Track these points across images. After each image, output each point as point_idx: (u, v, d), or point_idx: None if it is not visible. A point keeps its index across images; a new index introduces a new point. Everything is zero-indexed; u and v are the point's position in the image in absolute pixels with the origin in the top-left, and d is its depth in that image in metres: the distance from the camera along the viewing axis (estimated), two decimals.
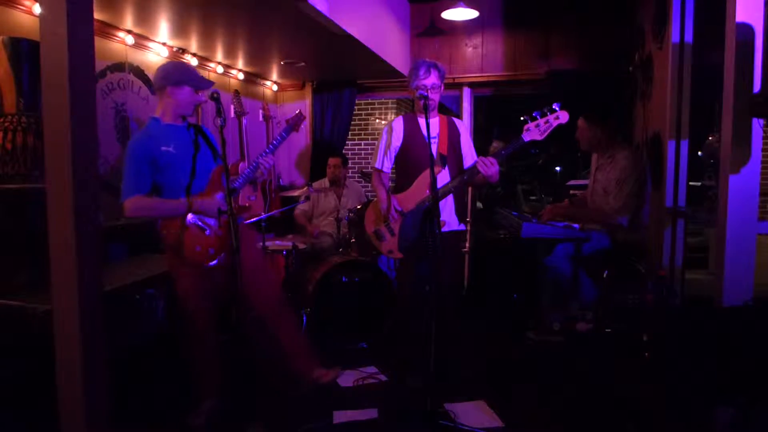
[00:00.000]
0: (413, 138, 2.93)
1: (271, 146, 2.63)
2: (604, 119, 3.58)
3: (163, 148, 2.42)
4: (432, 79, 2.81)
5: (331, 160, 4.59)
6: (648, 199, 3.55)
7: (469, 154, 3.00)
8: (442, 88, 2.89)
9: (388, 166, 3.03)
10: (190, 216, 2.44)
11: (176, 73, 2.47)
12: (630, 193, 3.34)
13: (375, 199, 3.07)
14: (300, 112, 2.83)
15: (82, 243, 1.79)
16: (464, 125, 3.10)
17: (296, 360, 2.78)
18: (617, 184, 3.37)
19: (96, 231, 1.87)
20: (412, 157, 2.91)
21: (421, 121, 2.83)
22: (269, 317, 2.68)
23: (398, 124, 3.00)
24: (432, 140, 2.78)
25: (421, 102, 2.70)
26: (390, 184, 3.10)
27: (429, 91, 2.76)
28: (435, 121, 2.92)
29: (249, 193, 2.71)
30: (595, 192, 3.57)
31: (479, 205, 5.21)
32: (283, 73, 5.06)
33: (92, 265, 1.84)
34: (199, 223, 2.47)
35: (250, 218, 3.35)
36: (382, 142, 3.02)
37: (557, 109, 2.67)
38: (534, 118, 2.70)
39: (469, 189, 4.52)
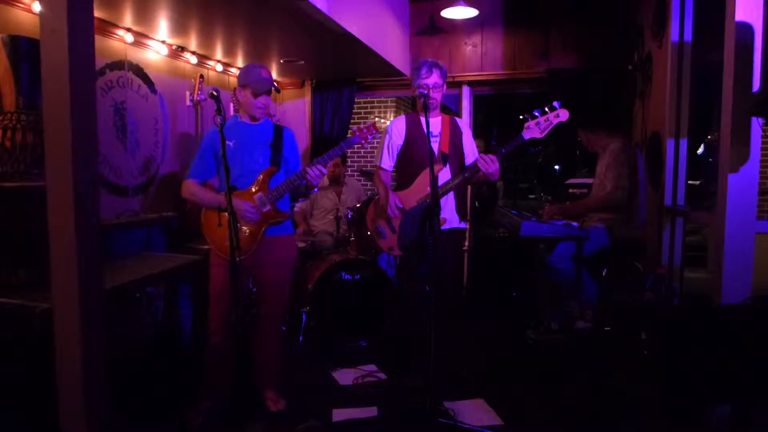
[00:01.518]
0: (415, 136, 2.93)
1: (325, 156, 2.64)
2: (588, 124, 3.72)
3: (227, 143, 2.56)
4: (434, 79, 2.81)
5: None
6: (644, 194, 3.58)
7: (470, 153, 3.00)
8: (445, 87, 2.90)
9: (390, 164, 3.03)
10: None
11: (242, 76, 2.65)
12: (620, 175, 3.39)
13: (377, 197, 3.08)
14: (372, 123, 2.82)
15: (83, 241, 1.79)
16: (466, 124, 3.11)
17: (257, 374, 2.78)
18: (607, 168, 3.47)
19: (96, 229, 1.87)
20: (414, 156, 2.92)
21: (423, 120, 2.83)
22: (257, 333, 2.72)
23: (400, 123, 3.00)
24: (434, 139, 2.78)
25: (421, 100, 2.70)
26: (392, 182, 3.11)
27: (431, 90, 2.78)
28: (437, 120, 2.92)
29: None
30: (594, 185, 3.63)
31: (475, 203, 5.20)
32: (282, 72, 5.05)
33: (92, 263, 1.84)
34: None
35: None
36: (385, 141, 3.03)
37: (557, 107, 2.68)
38: (534, 117, 2.71)
39: (469, 187, 4.51)
